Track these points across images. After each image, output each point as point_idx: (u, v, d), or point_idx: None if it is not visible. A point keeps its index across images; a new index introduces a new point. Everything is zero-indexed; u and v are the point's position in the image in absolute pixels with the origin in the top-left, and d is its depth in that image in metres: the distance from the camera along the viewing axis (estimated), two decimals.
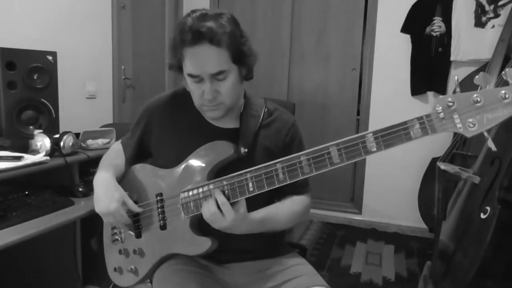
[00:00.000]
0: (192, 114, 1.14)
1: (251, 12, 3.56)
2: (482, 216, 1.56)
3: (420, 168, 2.98)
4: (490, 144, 0.80)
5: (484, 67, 2.49)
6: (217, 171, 1.05)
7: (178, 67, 1.07)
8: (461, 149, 2.23)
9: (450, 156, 2.23)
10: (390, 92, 3.19)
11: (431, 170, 2.74)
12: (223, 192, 0.97)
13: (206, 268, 1.13)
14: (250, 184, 0.95)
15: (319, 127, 3.47)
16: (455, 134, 2.56)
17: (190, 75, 1.03)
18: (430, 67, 3.00)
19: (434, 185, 2.13)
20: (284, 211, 1.11)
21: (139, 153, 1.24)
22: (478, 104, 0.78)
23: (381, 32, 3.19)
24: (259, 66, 1.15)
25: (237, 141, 1.09)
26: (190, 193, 1.03)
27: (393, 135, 0.84)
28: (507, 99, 0.76)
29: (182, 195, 1.05)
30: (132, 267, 1.14)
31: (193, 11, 1.03)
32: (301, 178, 0.91)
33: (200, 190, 1.01)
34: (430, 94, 3.09)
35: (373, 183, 3.33)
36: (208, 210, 0.96)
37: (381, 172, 3.28)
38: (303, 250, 1.29)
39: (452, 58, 2.89)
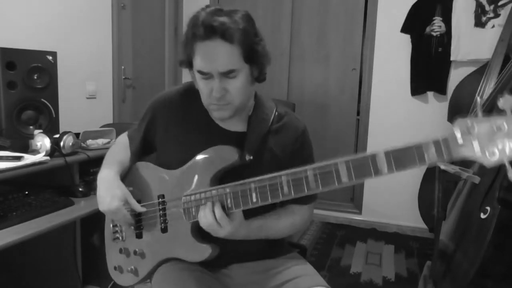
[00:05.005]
0: (200, 114, 1.11)
1: (251, 12, 3.53)
2: (482, 216, 1.56)
3: (420, 168, 2.98)
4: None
5: (484, 67, 2.49)
6: (221, 176, 1.03)
7: (188, 63, 1.03)
8: None
9: None
10: (390, 92, 3.19)
11: (431, 170, 2.74)
12: (225, 201, 0.96)
13: (206, 267, 1.13)
14: (254, 195, 0.93)
15: (319, 127, 3.46)
16: None
17: (200, 72, 1.00)
18: (430, 67, 3.00)
19: (434, 185, 2.13)
20: (282, 222, 1.10)
21: (144, 147, 1.22)
22: (502, 132, 0.71)
23: (381, 32, 3.19)
24: None
25: (243, 146, 1.06)
26: (192, 197, 1.01)
27: (406, 156, 0.79)
28: None
29: (184, 199, 1.03)
30: (132, 267, 1.14)
31: (207, 6, 1.00)
32: (306, 193, 0.89)
33: (203, 195, 0.99)
34: (430, 94, 3.09)
35: (373, 183, 3.33)
36: (206, 221, 0.96)
37: None
38: (303, 250, 1.29)
39: (452, 58, 2.89)
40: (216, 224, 0.95)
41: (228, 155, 1.02)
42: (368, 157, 0.82)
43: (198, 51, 0.98)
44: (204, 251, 1.02)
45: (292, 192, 0.89)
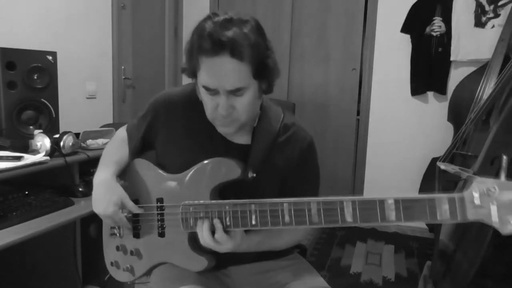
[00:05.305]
0: (203, 121, 1.04)
1: (251, 12, 3.54)
2: None
3: (420, 168, 2.98)
4: None
5: (484, 67, 2.49)
6: (221, 189, 1.02)
7: (192, 73, 0.97)
8: (461, 149, 2.23)
9: (450, 156, 2.23)
10: (390, 92, 3.19)
11: (431, 170, 2.74)
12: (224, 219, 0.94)
13: None
14: (253, 217, 0.91)
15: (319, 127, 3.47)
16: (455, 134, 2.56)
17: (205, 88, 0.93)
18: (430, 67, 3.00)
19: (434, 185, 2.13)
20: (284, 236, 1.09)
21: (143, 145, 1.19)
22: None
23: (381, 32, 3.19)
24: None
25: (246, 160, 1.03)
26: (191, 208, 0.99)
27: (416, 207, 0.75)
28: None
29: (182, 208, 1.01)
30: (128, 266, 1.15)
31: (214, 14, 0.92)
32: (307, 226, 0.87)
33: (202, 208, 0.97)
34: (430, 94, 3.09)
35: (373, 183, 3.33)
36: (204, 241, 0.95)
37: (381, 172, 3.28)
38: (303, 250, 1.29)
39: (452, 58, 2.89)
40: (215, 242, 0.94)
41: (231, 170, 0.99)
42: (376, 201, 0.79)
43: (203, 66, 0.91)
44: (200, 263, 1.02)
45: (293, 223, 0.87)
